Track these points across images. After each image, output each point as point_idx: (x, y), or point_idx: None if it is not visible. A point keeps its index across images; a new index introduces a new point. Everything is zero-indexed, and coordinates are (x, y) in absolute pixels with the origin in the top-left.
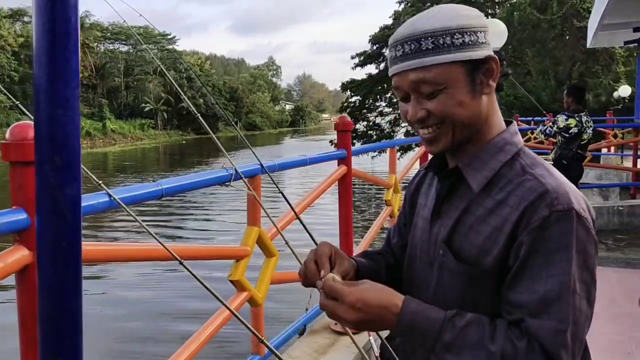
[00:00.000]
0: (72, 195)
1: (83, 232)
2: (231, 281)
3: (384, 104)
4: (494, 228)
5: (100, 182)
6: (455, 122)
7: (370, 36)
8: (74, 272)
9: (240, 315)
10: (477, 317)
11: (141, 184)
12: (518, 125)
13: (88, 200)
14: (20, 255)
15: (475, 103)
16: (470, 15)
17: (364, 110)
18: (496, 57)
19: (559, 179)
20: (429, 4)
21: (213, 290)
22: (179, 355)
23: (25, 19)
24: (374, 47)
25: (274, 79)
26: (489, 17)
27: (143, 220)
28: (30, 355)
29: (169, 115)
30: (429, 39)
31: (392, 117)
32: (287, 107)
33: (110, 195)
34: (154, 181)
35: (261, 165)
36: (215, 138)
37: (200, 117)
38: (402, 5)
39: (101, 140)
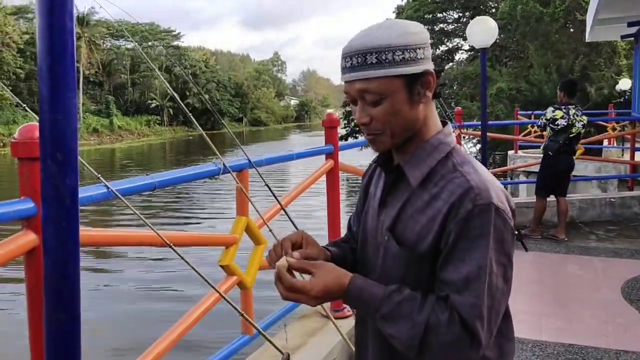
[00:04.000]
0: (70, 185)
1: (87, 221)
2: (221, 266)
3: None
4: (429, 218)
5: (99, 175)
6: (394, 127)
7: None
8: (73, 248)
9: (230, 298)
10: (412, 293)
11: (136, 177)
12: (518, 119)
13: (88, 191)
14: (28, 239)
15: (412, 111)
16: (413, 33)
17: None
18: (432, 71)
19: (482, 176)
20: None
21: (204, 275)
22: (170, 333)
23: (29, 15)
24: None
25: (279, 75)
26: (493, 10)
27: (144, 214)
28: (37, 321)
29: (174, 112)
30: (374, 54)
31: None
32: (292, 102)
33: (107, 187)
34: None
35: (249, 160)
36: (206, 136)
37: (192, 116)
38: (405, 0)
39: (108, 137)
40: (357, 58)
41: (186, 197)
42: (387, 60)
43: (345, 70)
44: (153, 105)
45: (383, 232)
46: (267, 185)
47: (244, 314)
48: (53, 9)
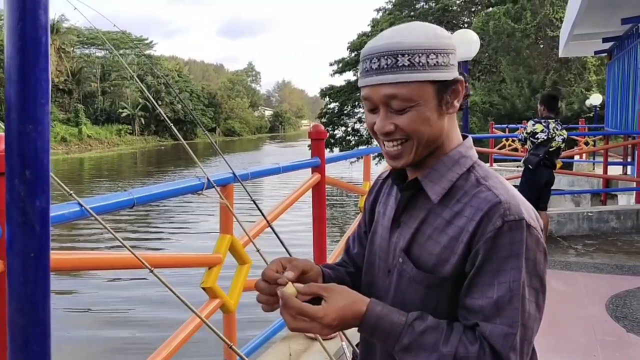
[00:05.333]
0: (41, 207)
1: (56, 241)
2: (203, 288)
3: (362, 110)
4: (451, 238)
5: (72, 192)
6: (420, 138)
7: (348, 43)
8: (42, 281)
9: (213, 321)
10: (436, 322)
11: (113, 193)
12: (493, 132)
13: (59, 209)
14: None
15: (440, 121)
16: (444, 36)
17: (343, 116)
18: (463, 79)
19: (510, 190)
20: (405, 11)
21: (185, 298)
22: None
23: None
24: (352, 54)
25: (254, 85)
26: (465, 25)
27: (121, 231)
28: None
29: (146, 121)
30: (406, 55)
31: None
32: (267, 113)
33: (81, 205)
34: (129, 188)
35: (234, 174)
36: (187, 146)
37: (172, 125)
38: (380, 14)
39: (77, 146)
40: (386, 59)
41: (165, 207)
42: (420, 64)
43: (369, 72)
44: (124, 114)
45: (397, 254)
46: (254, 202)
47: (228, 341)
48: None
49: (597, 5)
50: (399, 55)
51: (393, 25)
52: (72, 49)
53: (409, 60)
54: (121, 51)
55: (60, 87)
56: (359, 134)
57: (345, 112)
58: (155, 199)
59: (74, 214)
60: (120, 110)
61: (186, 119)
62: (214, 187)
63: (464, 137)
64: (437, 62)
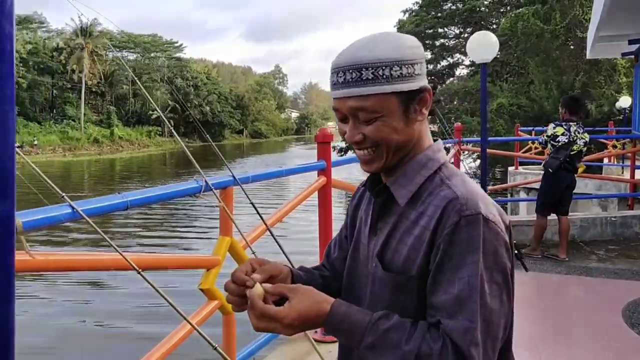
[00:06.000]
0: (4, 212)
1: (46, 241)
2: (202, 290)
3: None
4: (415, 237)
5: (64, 194)
6: (389, 146)
7: None
8: (6, 283)
9: (214, 322)
10: (401, 320)
11: (105, 196)
12: (518, 135)
13: (51, 211)
14: None
15: (408, 129)
16: (410, 46)
17: None
18: (429, 87)
19: (470, 187)
20: (432, 13)
21: (176, 304)
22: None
23: (33, 25)
24: None
25: (281, 87)
26: (494, 27)
27: (127, 232)
28: None
29: (175, 123)
30: (370, 69)
31: None
32: (293, 115)
33: (73, 207)
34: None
35: (233, 176)
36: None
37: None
38: (407, 15)
39: (109, 147)
40: (351, 73)
41: (167, 213)
42: (384, 76)
43: (336, 85)
44: (154, 116)
45: (372, 260)
46: (253, 204)
47: (218, 348)
48: None
49: (621, 7)
50: (363, 69)
51: (419, 27)
52: (105, 52)
53: (372, 73)
54: (152, 54)
55: (94, 89)
56: None
57: None
58: (150, 202)
59: (66, 216)
60: (151, 112)
61: (214, 120)
62: (211, 190)
63: (435, 140)
64: (401, 73)
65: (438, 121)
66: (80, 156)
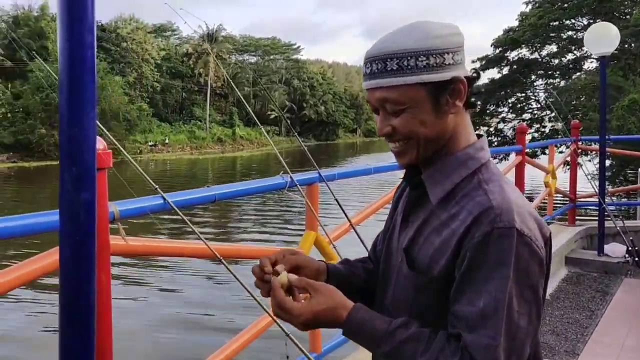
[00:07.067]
0: (85, 199)
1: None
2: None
3: (506, 109)
4: (443, 239)
5: (157, 186)
6: (419, 139)
7: (493, 39)
8: (87, 262)
9: None
10: (419, 331)
11: (195, 189)
12: None
13: (145, 202)
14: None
15: (439, 122)
16: (439, 35)
17: (485, 116)
18: (463, 78)
19: (508, 195)
20: (558, 3)
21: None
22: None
23: (167, 33)
24: (497, 51)
25: None
26: (627, 17)
27: (208, 226)
28: None
29: (292, 122)
30: (394, 60)
31: (515, 123)
32: None
33: (164, 199)
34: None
35: (319, 173)
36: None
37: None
38: (529, 7)
39: (230, 146)
40: (377, 64)
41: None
42: (409, 67)
43: (365, 77)
44: (272, 116)
45: (400, 253)
46: (337, 202)
47: (291, 336)
48: (72, 22)
49: None
50: (388, 60)
51: (542, 18)
52: (228, 56)
53: (397, 64)
54: (271, 56)
55: (218, 91)
56: (502, 134)
57: (487, 111)
58: (237, 196)
59: (158, 206)
60: (269, 113)
61: (328, 120)
62: (296, 185)
63: (479, 137)
64: (427, 63)
65: (553, 118)
66: (205, 154)
